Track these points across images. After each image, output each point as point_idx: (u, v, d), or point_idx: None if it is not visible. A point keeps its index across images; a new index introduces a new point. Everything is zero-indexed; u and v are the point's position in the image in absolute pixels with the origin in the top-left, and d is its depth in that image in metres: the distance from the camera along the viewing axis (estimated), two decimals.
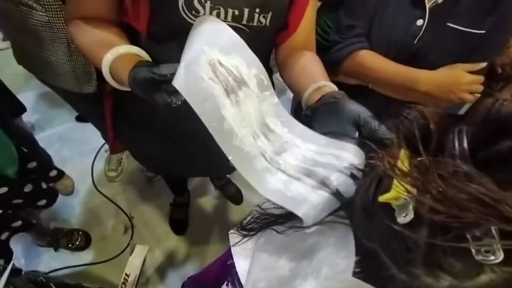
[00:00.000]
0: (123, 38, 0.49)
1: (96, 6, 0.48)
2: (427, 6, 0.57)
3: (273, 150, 0.37)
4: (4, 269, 0.51)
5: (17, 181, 0.73)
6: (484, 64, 0.61)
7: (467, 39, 0.59)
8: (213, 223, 1.32)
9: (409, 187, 0.19)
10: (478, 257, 0.16)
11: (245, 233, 0.41)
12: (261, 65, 0.38)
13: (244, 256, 0.39)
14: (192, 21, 0.46)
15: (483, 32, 0.58)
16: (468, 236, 0.16)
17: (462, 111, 0.70)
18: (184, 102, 0.34)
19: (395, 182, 0.21)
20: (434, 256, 0.18)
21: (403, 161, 0.21)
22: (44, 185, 0.83)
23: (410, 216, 0.19)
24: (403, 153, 0.22)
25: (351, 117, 0.37)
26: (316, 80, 0.47)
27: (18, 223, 0.76)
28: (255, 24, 0.49)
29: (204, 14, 0.46)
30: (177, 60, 0.36)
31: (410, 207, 0.19)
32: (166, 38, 0.50)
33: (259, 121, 0.38)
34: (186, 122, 0.39)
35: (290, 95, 1.66)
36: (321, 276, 0.29)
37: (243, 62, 0.38)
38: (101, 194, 1.33)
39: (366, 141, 0.34)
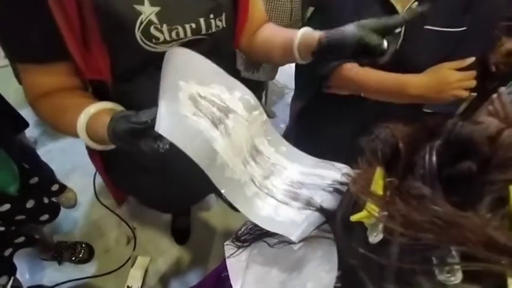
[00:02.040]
0: (91, 97, 0.48)
1: (52, 78, 0.46)
2: (400, 12, 0.58)
3: (261, 174, 0.37)
4: (4, 287, 0.52)
5: (19, 197, 0.74)
6: (471, 59, 0.60)
7: (449, 38, 0.59)
8: (215, 231, 1.32)
9: (377, 208, 0.20)
10: (441, 277, 0.17)
11: (239, 244, 0.42)
12: (242, 85, 0.38)
13: (239, 268, 0.39)
14: (154, 49, 0.45)
15: (464, 29, 0.58)
16: (433, 257, 0.17)
17: (460, 110, 0.70)
18: (172, 144, 0.32)
19: (368, 201, 0.21)
20: (405, 274, 0.19)
21: (378, 181, 0.22)
22: (46, 200, 0.84)
23: (380, 236, 0.19)
24: (378, 172, 0.22)
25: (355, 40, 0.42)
26: (294, 32, 0.50)
27: (21, 239, 0.77)
28: (214, 30, 0.49)
29: (164, 38, 0.44)
30: (151, 93, 0.35)
31: (380, 227, 0.20)
32: (134, 74, 0.48)
33: (249, 145, 0.38)
34: (180, 157, 0.37)
35: (288, 99, 1.67)
36: None
37: (223, 88, 0.37)
38: (103, 206, 1.35)
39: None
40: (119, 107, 0.45)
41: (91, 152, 0.63)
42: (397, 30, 0.59)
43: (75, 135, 0.44)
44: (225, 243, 0.44)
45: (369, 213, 0.20)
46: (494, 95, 0.60)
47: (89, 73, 0.46)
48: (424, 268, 0.17)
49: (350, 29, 0.44)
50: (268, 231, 0.39)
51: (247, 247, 0.41)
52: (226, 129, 0.34)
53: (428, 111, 0.70)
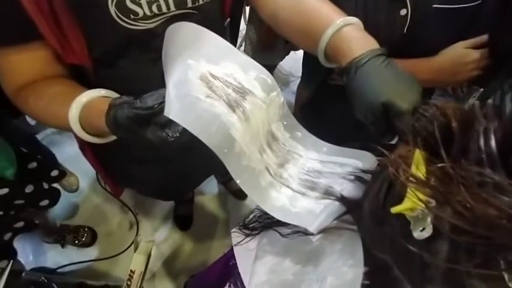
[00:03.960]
0: (79, 86, 0.42)
1: (33, 64, 0.41)
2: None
3: (276, 163, 0.34)
4: (3, 270, 0.50)
5: (18, 182, 0.72)
6: (487, 36, 0.55)
7: (460, 16, 0.54)
8: (217, 218, 1.32)
9: (427, 198, 0.16)
10: None
11: (247, 232, 0.40)
12: (257, 64, 0.33)
13: (247, 257, 0.38)
14: (133, 27, 0.40)
15: (477, 3, 0.52)
16: (500, 259, 0.14)
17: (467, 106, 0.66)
18: (183, 131, 0.29)
19: (410, 189, 0.18)
20: (457, 277, 0.16)
21: (418, 165, 0.19)
22: (46, 185, 0.83)
23: (429, 231, 0.16)
24: (419, 156, 0.19)
25: (374, 103, 0.30)
26: (326, 22, 0.36)
27: (21, 224, 0.76)
28: (201, 2, 0.43)
29: (144, 13, 0.39)
30: (137, 79, 0.31)
31: (429, 220, 0.16)
32: (116, 57, 0.43)
33: (265, 130, 0.34)
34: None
35: (294, 87, 1.62)
36: (327, 285, 0.27)
37: (237, 67, 0.32)
38: (105, 191, 1.33)
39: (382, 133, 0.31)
40: (114, 94, 0.40)
41: (81, 144, 0.58)
42: (403, 13, 0.53)
43: (66, 128, 0.38)
44: (232, 231, 0.42)
45: (414, 204, 0.17)
46: (483, 110, 0.54)
47: (67, 57, 0.40)
48: (485, 272, 0.14)
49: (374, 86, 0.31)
50: (279, 220, 0.37)
51: (255, 235, 0.39)
52: (244, 113, 0.30)
53: (439, 99, 0.66)
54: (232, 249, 0.40)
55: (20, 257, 1.10)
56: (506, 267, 0.13)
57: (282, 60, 1.30)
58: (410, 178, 0.17)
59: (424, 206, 0.16)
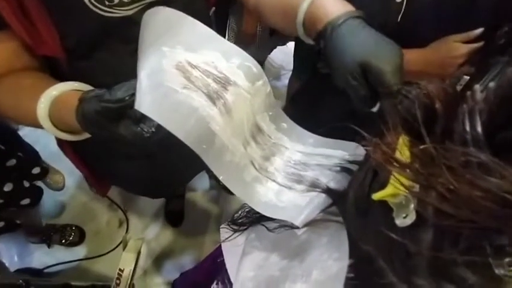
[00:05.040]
0: (51, 79, 0.39)
1: None
2: None
3: (261, 155, 0.33)
4: None
5: None
6: (479, 30, 0.55)
7: (456, 5, 0.53)
8: (209, 214, 1.31)
9: (409, 182, 0.15)
10: (499, 271, 0.13)
11: (236, 227, 0.39)
12: (241, 50, 0.31)
13: (235, 253, 0.37)
14: (109, 14, 0.37)
15: None
16: (486, 245, 0.13)
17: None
18: (159, 125, 0.26)
19: (394, 175, 0.17)
20: (442, 265, 0.15)
21: (402, 150, 0.17)
22: (27, 183, 0.79)
23: (412, 218, 0.15)
24: (402, 140, 0.18)
25: (352, 64, 0.28)
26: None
27: (1, 224, 0.73)
28: None
29: (120, 0, 0.37)
30: (116, 72, 0.29)
31: (412, 206, 0.15)
32: (92, 48, 0.41)
33: (250, 122, 0.32)
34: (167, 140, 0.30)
35: (285, 80, 1.61)
36: (312, 280, 0.26)
37: (218, 54, 0.30)
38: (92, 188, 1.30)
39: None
40: (88, 87, 0.37)
41: (59, 141, 0.55)
42: (398, 0, 0.52)
43: (37, 124, 0.36)
44: (220, 227, 0.41)
45: (396, 189, 0.16)
46: (469, 93, 0.56)
47: (37, 48, 0.38)
48: (471, 259, 0.13)
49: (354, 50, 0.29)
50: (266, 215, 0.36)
51: (244, 231, 0.39)
52: (225, 105, 0.28)
53: None
54: (220, 246, 0.39)
55: (4, 258, 1.06)
56: (492, 253, 0.12)
57: (269, 54, 1.28)
58: (393, 161, 0.16)
59: (406, 190, 0.15)
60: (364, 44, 0.29)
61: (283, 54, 1.70)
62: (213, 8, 0.58)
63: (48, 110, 0.35)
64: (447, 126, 0.16)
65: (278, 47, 1.26)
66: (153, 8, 0.32)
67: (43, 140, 1.37)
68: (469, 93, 0.18)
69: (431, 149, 0.15)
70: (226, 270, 0.36)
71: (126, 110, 0.28)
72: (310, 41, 0.39)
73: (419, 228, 0.15)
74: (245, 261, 0.35)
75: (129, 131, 0.28)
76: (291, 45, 1.01)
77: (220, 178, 0.29)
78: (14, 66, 0.39)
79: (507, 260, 0.12)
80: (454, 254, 0.14)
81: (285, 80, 1.52)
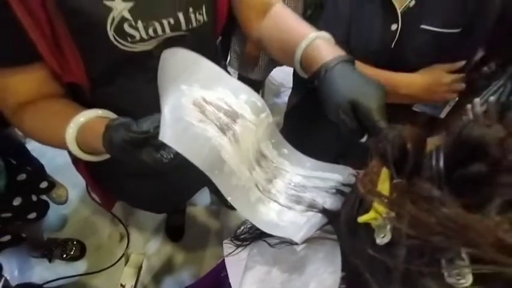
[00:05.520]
0: (77, 105, 0.43)
1: (30, 84, 0.41)
2: (399, 10, 0.59)
3: (264, 178, 0.36)
4: None
5: (6, 194, 0.71)
6: (462, 63, 0.62)
7: (443, 39, 0.60)
8: (209, 229, 1.31)
9: (385, 209, 0.19)
10: (450, 280, 0.16)
11: (238, 243, 0.41)
12: (247, 87, 0.36)
13: (238, 267, 0.39)
14: (129, 49, 0.42)
15: (458, 30, 0.59)
16: (442, 259, 0.17)
17: (443, 115, 0.71)
18: (177, 153, 0.30)
19: (375, 202, 0.21)
20: (412, 277, 0.19)
21: (383, 182, 0.22)
22: (34, 197, 0.82)
23: (388, 237, 0.19)
24: (384, 173, 0.22)
25: (341, 104, 0.33)
26: (301, 37, 0.40)
27: (7, 237, 0.75)
28: (194, 25, 0.46)
29: (140, 36, 0.41)
30: (132, 96, 0.32)
31: (388, 228, 0.19)
32: (112, 77, 0.45)
33: (255, 150, 0.36)
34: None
35: (285, 97, 1.66)
36: None
37: (228, 92, 0.35)
38: (95, 202, 1.32)
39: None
40: (111, 115, 0.42)
41: (75, 158, 0.59)
42: (393, 28, 0.59)
43: (62, 146, 0.40)
44: (223, 242, 0.43)
45: (376, 214, 0.20)
46: (469, 106, 0.62)
47: (65, 76, 0.42)
48: (432, 270, 0.17)
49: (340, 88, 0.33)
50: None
51: (246, 246, 0.41)
52: (234, 136, 0.33)
53: (417, 110, 0.71)
54: (223, 260, 0.41)
55: (6, 273, 1.06)
56: (445, 266, 0.16)
57: (268, 74, 1.35)
58: (372, 192, 0.20)
59: (383, 216, 0.19)
60: (354, 85, 0.34)
61: (283, 73, 1.77)
62: (220, 38, 0.64)
63: (75, 135, 0.39)
64: (417, 163, 0.21)
65: (278, 67, 1.34)
66: (172, 49, 0.37)
67: (48, 154, 1.40)
68: (469, 106, 0.22)
69: (402, 183, 0.19)
70: (229, 284, 0.38)
71: (149, 140, 0.32)
72: (305, 76, 0.44)
73: (394, 246, 0.19)
74: (248, 275, 0.37)
75: (151, 157, 0.32)
76: None
77: (229, 199, 0.33)
78: (43, 92, 0.43)
79: (455, 271, 0.16)
80: (420, 267, 0.17)
81: (285, 97, 1.57)
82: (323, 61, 0.37)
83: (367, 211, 0.22)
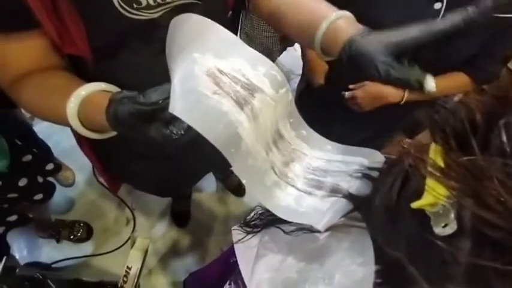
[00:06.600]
0: (78, 78, 0.40)
1: (28, 54, 0.39)
2: None
3: (281, 161, 0.34)
4: None
5: (11, 175, 0.70)
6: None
7: (488, 26, 0.54)
8: (215, 215, 1.31)
9: (447, 191, 0.16)
10: None
11: (249, 229, 0.39)
12: (266, 58, 0.32)
13: (248, 254, 0.37)
14: (136, 17, 0.39)
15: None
16: None
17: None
18: (188, 129, 0.27)
19: (429, 183, 0.17)
20: (481, 275, 0.15)
21: (435, 159, 0.18)
22: (41, 179, 0.81)
23: (453, 227, 0.15)
24: (434, 149, 0.18)
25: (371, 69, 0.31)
26: (322, 17, 0.38)
27: (14, 217, 0.75)
28: None
29: (147, 2, 0.38)
30: (137, 71, 0.29)
31: (452, 216, 0.15)
32: (116, 49, 0.42)
33: (273, 129, 0.33)
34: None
35: (294, 85, 1.61)
36: (335, 283, 0.26)
37: (245, 63, 0.31)
38: (102, 186, 1.32)
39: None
40: (115, 89, 0.38)
41: (79, 138, 0.56)
42: (437, 7, 0.52)
43: (63, 122, 0.37)
44: (232, 228, 0.41)
45: (435, 199, 0.16)
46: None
47: (65, 47, 0.39)
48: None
49: (375, 49, 0.32)
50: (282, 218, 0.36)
51: (257, 233, 0.39)
52: (252, 111, 0.29)
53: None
54: (232, 246, 0.39)
55: (14, 252, 1.08)
56: None
57: (279, 55, 1.28)
58: (432, 171, 0.16)
59: (446, 200, 0.15)
60: (381, 40, 0.32)
61: (293, 59, 1.70)
62: (230, 12, 0.59)
63: (77, 109, 0.36)
64: (486, 137, 0.16)
65: (287, 51, 1.27)
66: (182, 15, 0.33)
67: (55, 136, 1.39)
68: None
69: (480, 161, 0.15)
70: (239, 271, 0.36)
71: (159, 113, 0.28)
72: (325, 58, 0.41)
73: (459, 237, 0.15)
74: (260, 263, 0.35)
75: (159, 133, 0.28)
76: (300, 48, 1.02)
77: (243, 181, 0.30)
78: (42, 64, 0.40)
79: None
80: (496, 265, 0.14)
81: (294, 85, 1.52)
82: (347, 37, 0.34)
83: (416, 194, 0.18)
